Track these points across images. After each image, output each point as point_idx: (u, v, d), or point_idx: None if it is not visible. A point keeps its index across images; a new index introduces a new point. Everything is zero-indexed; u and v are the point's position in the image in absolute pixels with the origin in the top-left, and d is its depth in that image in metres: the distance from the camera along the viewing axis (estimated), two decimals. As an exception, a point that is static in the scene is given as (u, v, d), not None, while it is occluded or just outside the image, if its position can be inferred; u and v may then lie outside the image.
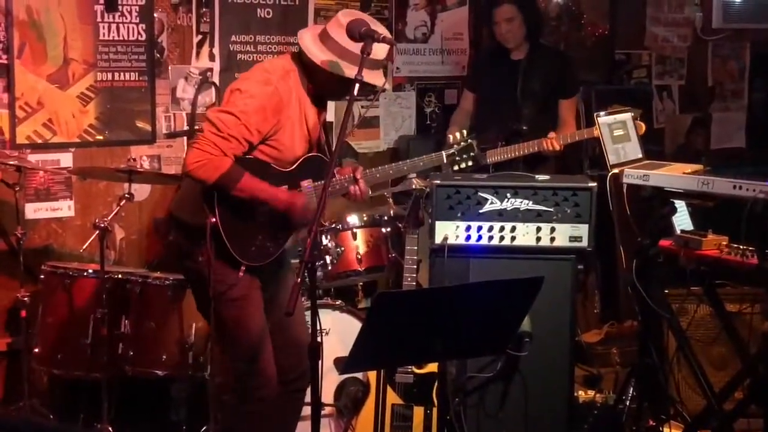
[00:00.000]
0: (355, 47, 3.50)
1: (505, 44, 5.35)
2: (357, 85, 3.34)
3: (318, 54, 3.60)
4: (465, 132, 4.00)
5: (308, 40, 3.66)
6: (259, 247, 3.67)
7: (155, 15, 5.27)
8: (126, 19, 5.17)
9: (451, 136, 4.01)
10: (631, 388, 4.31)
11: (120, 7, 5.12)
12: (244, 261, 3.64)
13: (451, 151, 3.96)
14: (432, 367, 4.18)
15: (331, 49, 3.59)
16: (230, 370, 3.93)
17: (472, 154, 3.96)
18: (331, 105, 5.69)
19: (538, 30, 5.46)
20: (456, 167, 4.00)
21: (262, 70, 3.71)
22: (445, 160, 3.96)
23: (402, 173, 4.00)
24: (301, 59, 3.71)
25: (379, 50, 3.54)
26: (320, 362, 3.13)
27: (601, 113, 4.41)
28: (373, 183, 3.87)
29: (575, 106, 5.58)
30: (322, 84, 3.70)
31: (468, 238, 4.17)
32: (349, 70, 3.52)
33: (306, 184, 3.73)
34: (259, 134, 3.57)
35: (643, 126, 4.79)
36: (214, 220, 3.57)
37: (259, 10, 5.55)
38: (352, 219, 4.83)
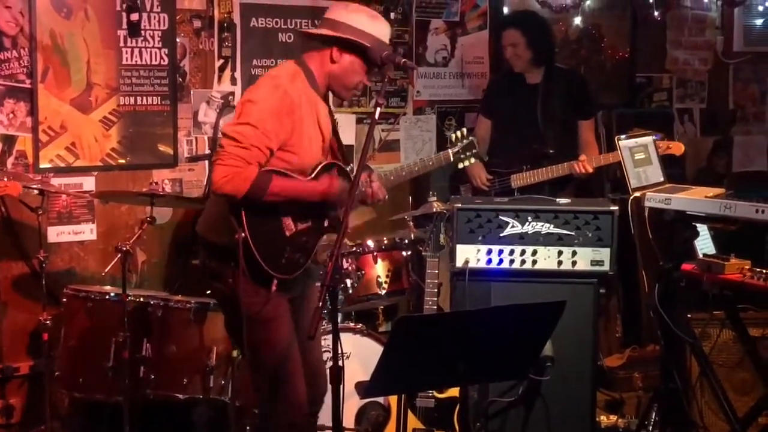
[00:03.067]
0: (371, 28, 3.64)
1: (513, 68, 5.38)
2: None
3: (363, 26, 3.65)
4: (465, 131, 4.14)
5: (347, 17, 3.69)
6: (289, 258, 3.64)
7: (177, 40, 5.31)
8: (149, 43, 5.21)
9: (453, 135, 4.15)
10: (654, 413, 4.28)
11: (143, 32, 5.16)
12: (276, 274, 3.60)
13: (456, 149, 4.10)
14: (453, 391, 4.16)
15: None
16: (255, 393, 3.89)
17: (474, 150, 4.11)
18: (352, 129, 5.75)
19: (550, 53, 5.47)
20: (461, 165, 4.17)
21: (268, 77, 3.72)
22: (451, 159, 4.12)
23: (413, 174, 4.14)
24: (306, 63, 3.72)
25: (381, 29, 3.67)
26: (341, 386, 3.12)
27: (623, 137, 4.41)
28: (388, 186, 3.92)
29: (594, 127, 5.59)
30: (343, 72, 3.70)
31: (489, 261, 4.16)
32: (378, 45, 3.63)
33: None
34: (277, 139, 3.55)
35: (682, 146, 4.83)
36: (243, 234, 3.54)
37: (280, 34, 5.58)
38: (373, 242, 4.83)
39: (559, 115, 5.33)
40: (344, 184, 3.66)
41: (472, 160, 4.12)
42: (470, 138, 4.10)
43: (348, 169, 3.82)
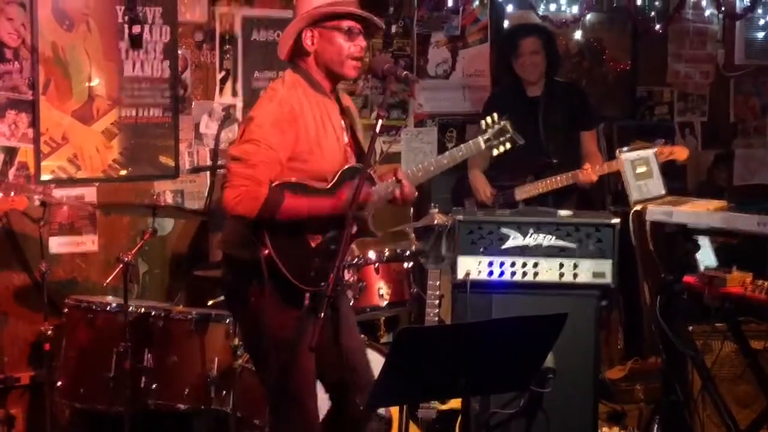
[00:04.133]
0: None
1: (526, 78, 5.39)
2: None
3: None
4: (496, 116, 3.84)
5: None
6: (318, 269, 3.52)
7: (179, 52, 5.33)
8: (150, 56, 5.23)
9: (483, 122, 3.85)
10: (656, 426, 4.28)
11: (144, 45, 5.17)
12: (307, 288, 3.50)
13: (487, 136, 3.81)
14: (455, 402, 4.16)
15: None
16: (269, 412, 3.77)
17: (508, 135, 3.81)
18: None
19: (556, 67, 5.52)
20: (495, 152, 3.84)
21: (267, 91, 3.65)
22: (483, 146, 3.80)
23: (443, 167, 3.77)
24: (300, 66, 3.63)
25: None
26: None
27: (624, 149, 4.41)
28: (416, 183, 3.70)
29: (597, 138, 5.60)
30: (323, 50, 3.58)
31: (490, 273, 4.16)
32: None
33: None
34: (284, 150, 3.47)
35: (686, 150, 4.82)
36: (267, 252, 3.45)
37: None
38: (374, 254, 4.83)
39: (561, 127, 5.34)
40: (355, 192, 3.45)
41: (507, 145, 3.82)
42: (502, 122, 3.81)
43: (372, 171, 3.64)
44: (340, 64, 3.59)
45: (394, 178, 3.62)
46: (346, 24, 3.55)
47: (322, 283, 3.46)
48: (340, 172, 3.60)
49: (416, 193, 3.70)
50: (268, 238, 3.46)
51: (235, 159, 3.47)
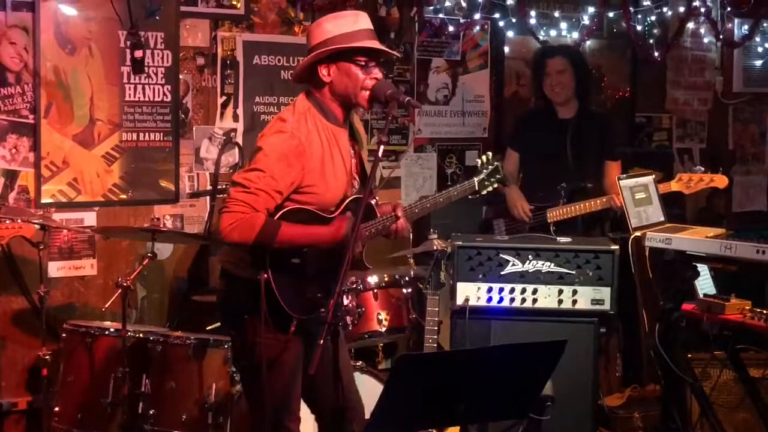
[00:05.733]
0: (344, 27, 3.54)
1: (554, 98, 5.38)
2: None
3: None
4: (490, 155, 3.96)
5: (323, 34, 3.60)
6: (310, 298, 3.55)
7: (181, 76, 5.35)
8: (152, 80, 5.25)
9: (479, 161, 3.96)
10: (654, 454, 4.26)
11: (146, 69, 5.19)
12: (297, 315, 3.52)
13: (482, 176, 3.91)
14: (453, 430, 4.14)
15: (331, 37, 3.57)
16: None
17: (498, 176, 3.93)
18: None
19: (588, 89, 5.52)
20: (485, 191, 3.95)
21: (276, 120, 3.63)
22: (476, 187, 3.91)
23: (439, 205, 3.89)
24: (314, 95, 3.63)
25: (345, 22, 3.56)
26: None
27: (623, 176, 4.42)
28: (413, 219, 3.79)
29: (620, 171, 5.57)
30: (340, 82, 3.58)
31: (489, 299, 4.16)
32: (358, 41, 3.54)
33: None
34: (286, 182, 3.48)
35: (725, 179, 4.84)
36: (266, 276, 3.48)
37: (282, 71, 5.61)
38: (373, 279, 4.83)
39: (589, 152, 5.33)
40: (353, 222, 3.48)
41: (495, 185, 3.94)
42: (495, 163, 3.93)
43: (373, 202, 3.71)
44: (355, 96, 3.60)
45: (392, 213, 3.68)
46: (362, 58, 3.55)
47: (313, 312, 3.51)
48: (345, 204, 3.63)
49: (411, 229, 3.83)
50: (268, 263, 3.49)
51: (236, 184, 3.49)
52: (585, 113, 5.42)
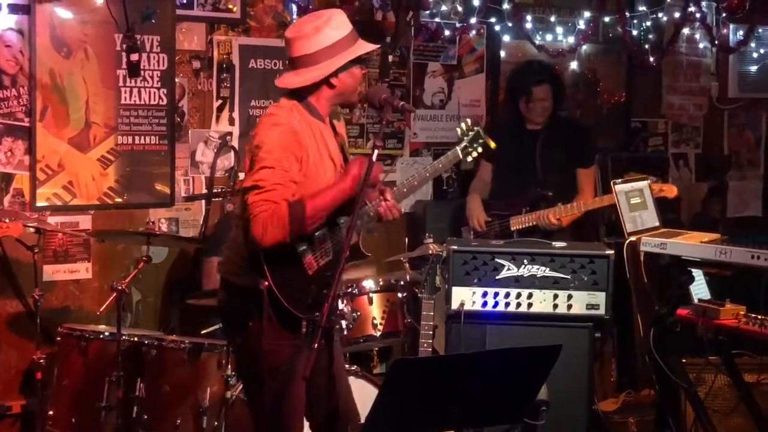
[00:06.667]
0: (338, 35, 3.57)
1: (532, 119, 5.42)
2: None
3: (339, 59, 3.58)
4: (469, 121, 3.91)
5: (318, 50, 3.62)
6: (315, 297, 3.51)
7: (176, 80, 5.35)
8: (148, 83, 5.25)
9: (459, 129, 3.91)
10: (649, 458, 4.26)
11: (142, 72, 5.19)
12: (305, 315, 3.47)
13: (464, 144, 3.87)
14: (448, 434, 4.14)
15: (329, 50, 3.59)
16: None
17: (481, 141, 3.87)
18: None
19: (561, 106, 5.56)
20: (470, 158, 3.91)
21: (266, 117, 3.64)
22: (460, 156, 3.87)
23: (425, 180, 3.91)
24: (301, 95, 3.65)
25: (340, 26, 3.59)
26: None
27: (618, 181, 4.42)
28: (401, 198, 3.78)
29: (593, 175, 5.61)
30: (345, 87, 3.64)
31: (485, 304, 4.16)
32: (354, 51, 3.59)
33: (343, 221, 3.63)
34: (296, 171, 3.50)
35: (675, 189, 4.84)
36: (267, 283, 3.46)
37: (278, 75, 5.58)
38: (369, 284, 4.83)
39: (558, 161, 5.36)
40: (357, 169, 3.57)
41: (480, 150, 3.87)
42: (476, 128, 3.87)
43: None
44: (351, 96, 3.72)
45: (380, 196, 3.66)
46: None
47: (317, 313, 3.41)
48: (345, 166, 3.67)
49: (402, 209, 3.75)
50: (266, 270, 3.47)
51: (250, 189, 3.46)
52: (554, 123, 5.47)
